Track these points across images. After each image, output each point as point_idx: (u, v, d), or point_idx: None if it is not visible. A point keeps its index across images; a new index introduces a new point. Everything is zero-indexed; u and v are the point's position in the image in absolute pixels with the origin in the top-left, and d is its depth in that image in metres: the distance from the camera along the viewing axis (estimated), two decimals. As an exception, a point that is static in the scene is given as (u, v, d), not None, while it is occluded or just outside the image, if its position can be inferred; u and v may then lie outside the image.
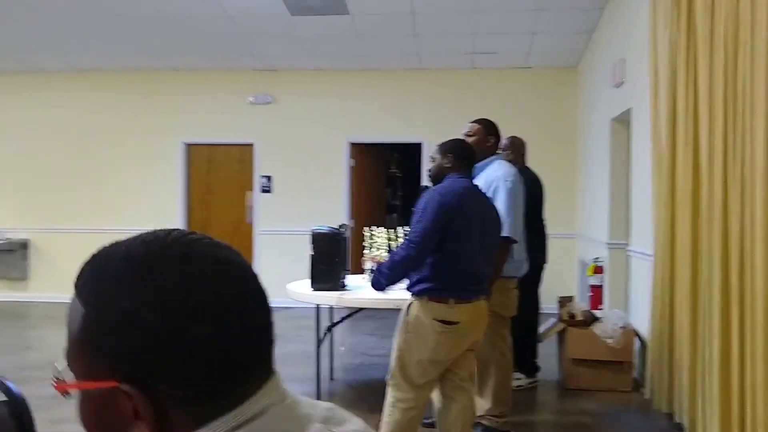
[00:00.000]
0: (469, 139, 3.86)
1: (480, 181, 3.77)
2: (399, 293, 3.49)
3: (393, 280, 3.20)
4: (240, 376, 0.73)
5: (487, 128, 3.87)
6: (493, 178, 3.69)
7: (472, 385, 3.40)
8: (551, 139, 8.61)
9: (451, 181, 3.21)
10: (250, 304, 0.75)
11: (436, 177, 3.31)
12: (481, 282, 3.22)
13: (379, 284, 3.26)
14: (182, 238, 0.76)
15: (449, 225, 3.03)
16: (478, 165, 3.84)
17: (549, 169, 8.22)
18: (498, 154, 3.91)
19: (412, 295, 3.15)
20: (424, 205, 3.09)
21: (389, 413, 3.18)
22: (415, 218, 3.12)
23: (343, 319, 5.00)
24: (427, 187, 3.36)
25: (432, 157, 3.37)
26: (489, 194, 3.65)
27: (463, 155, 3.30)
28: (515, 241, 3.65)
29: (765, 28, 2.78)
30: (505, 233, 3.57)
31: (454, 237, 3.04)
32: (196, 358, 0.70)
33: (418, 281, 3.11)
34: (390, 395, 3.21)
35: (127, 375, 0.69)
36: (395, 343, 3.20)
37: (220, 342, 0.71)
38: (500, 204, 3.61)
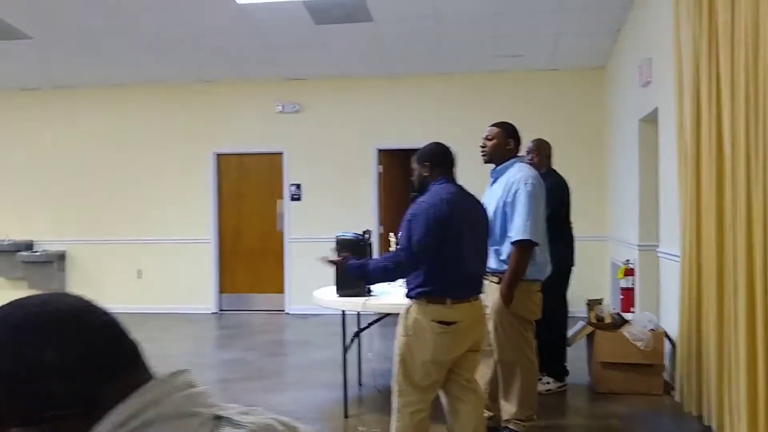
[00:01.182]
0: (489, 143, 3.86)
1: (500, 184, 3.77)
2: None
3: (374, 282, 3.27)
4: (100, 385, 0.82)
5: (507, 131, 3.86)
6: (513, 180, 3.68)
7: (479, 385, 3.43)
8: (581, 141, 8.55)
9: (435, 190, 3.21)
10: (85, 327, 0.85)
11: (420, 187, 3.33)
12: (476, 281, 3.29)
13: (355, 274, 3.27)
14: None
15: (443, 233, 3.07)
16: (499, 168, 3.85)
17: (579, 171, 8.20)
18: (519, 156, 3.89)
19: (410, 299, 3.20)
20: (412, 216, 3.11)
21: (397, 419, 3.23)
22: (404, 228, 3.14)
23: (370, 324, 5.01)
24: (415, 196, 3.35)
25: (412, 168, 3.38)
26: (509, 197, 3.65)
27: (439, 159, 3.31)
28: (536, 244, 3.63)
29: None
30: (525, 236, 3.57)
31: (449, 242, 3.09)
32: (54, 383, 0.80)
33: (416, 286, 3.16)
34: (395, 401, 3.25)
35: (11, 420, 0.79)
36: (396, 348, 3.25)
37: (68, 364, 0.81)
38: (520, 207, 3.60)
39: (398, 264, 3.13)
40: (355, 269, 3.27)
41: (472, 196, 3.36)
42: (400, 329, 3.24)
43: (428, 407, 3.23)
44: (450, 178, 3.29)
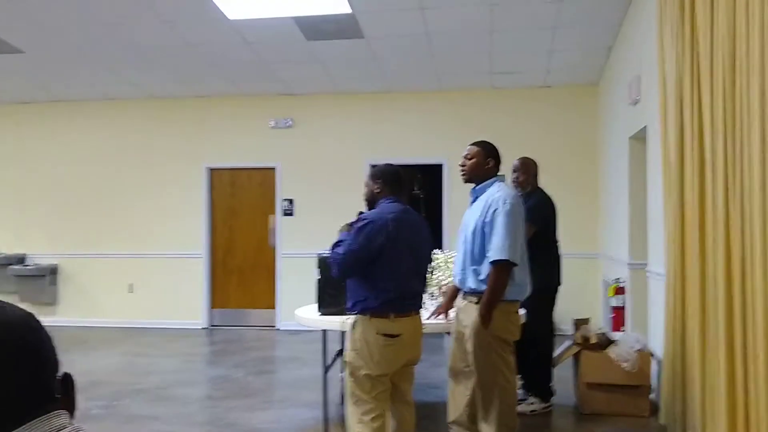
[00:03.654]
0: (469, 162, 3.83)
1: (479, 203, 3.73)
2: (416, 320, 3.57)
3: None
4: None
5: (487, 150, 3.82)
6: (492, 200, 3.64)
7: (411, 397, 3.63)
8: (573, 158, 8.54)
9: (383, 206, 3.44)
10: None
11: (370, 202, 3.57)
12: (416, 297, 3.51)
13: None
14: None
15: (381, 249, 3.27)
16: (478, 187, 3.82)
17: (571, 189, 8.19)
18: (498, 176, 3.85)
19: (355, 314, 3.40)
20: (357, 228, 3.33)
21: (359, 429, 3.33)
22: (351, 234, 3.35)
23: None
24: (362, 212, 3.57)
25: (365, 183, 3.62)
26: (488, 217, 3.62)
27: (391, 179, 3.52)
28: (515, 264, 3.59)
29: (758, 48, 2.72)
30: (504, 256, 3.53)
31: (388, 258, 3.29)
32: None
33: (359, 301, 3.37)
34: (353, 415, 3.39)
35: None
36: (346, 362, 3.43)
37: None
38: (499, 227, 3.56)
39: (335, 263, 3.36)
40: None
41: (417, 216, 3.56)
42: (347, 344, 3.43)
43: (384, 413, 3.41)
44: (398, 198, 3.49)
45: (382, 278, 3.30)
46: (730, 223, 3.18)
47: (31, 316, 1.01)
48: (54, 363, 1.02)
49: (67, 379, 1.03)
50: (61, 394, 1.01)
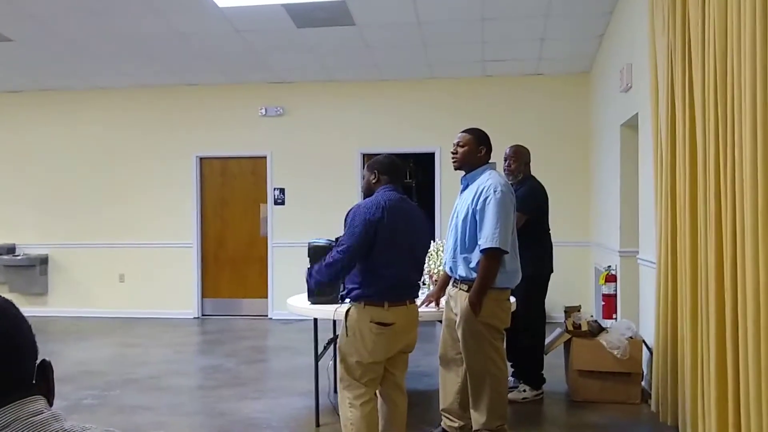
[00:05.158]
0: (460, 149, 3.81)
1: (470, 191, 3.73)
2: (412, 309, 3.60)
3: (321, 283, 3.54)
4: None
5: (478, 138, 3.81)
6: (483, 188, 3.63)
7: (404, 385, 3.66)
8: (565, 146, 8.53)
9: (377, 195, 3.44)
10: None
11: (367, 192, 3.60)
12: (412, 286, 3.52)
13: (309, 283, 3.64)
14: None
15: (376, 236, 3.29)
16: (469, 175, 3.81)
17: (563, 176, 8.19)
18: (489, 163, 3.84)
19: (350, 301, 3.44)
20: (351, 218, 3.36)
21: (349, 416, 3.39)
22: (344, 229, 3.39)
23: (346, 331, 4.95)
24: None
25: (363, 175, 3.60)
26: (478, 205, 3.61)
27: (386, 169, 3.53)
28: (505, 252, 3.59)
29: (749, 34, 2.71)
30: (494, 244, 3.53)
31: (383, 246, 3.31)
32: None
33: (354, 288, 3.40)
34: (343, 398, 3.45)
35: None
36: (339, 347, 3.49)
37: None
38: (489, 215, 3.56)
39: (334, 263, 3.35)
40: (307, 276, 3.55)
41: (414, 206, 3.58)
42: (342, 330, 3.47)
43: (374, 398, 3.48)
44: (395, 187, 3.50)
45: (378, 266, 3.32)
46: (721, 210, 3.18)
47: (8, 303, 1.00)
48: (32, 350, 1.01)
49: (45, 365, 1.03)
50: (39, 380, 1.01)
